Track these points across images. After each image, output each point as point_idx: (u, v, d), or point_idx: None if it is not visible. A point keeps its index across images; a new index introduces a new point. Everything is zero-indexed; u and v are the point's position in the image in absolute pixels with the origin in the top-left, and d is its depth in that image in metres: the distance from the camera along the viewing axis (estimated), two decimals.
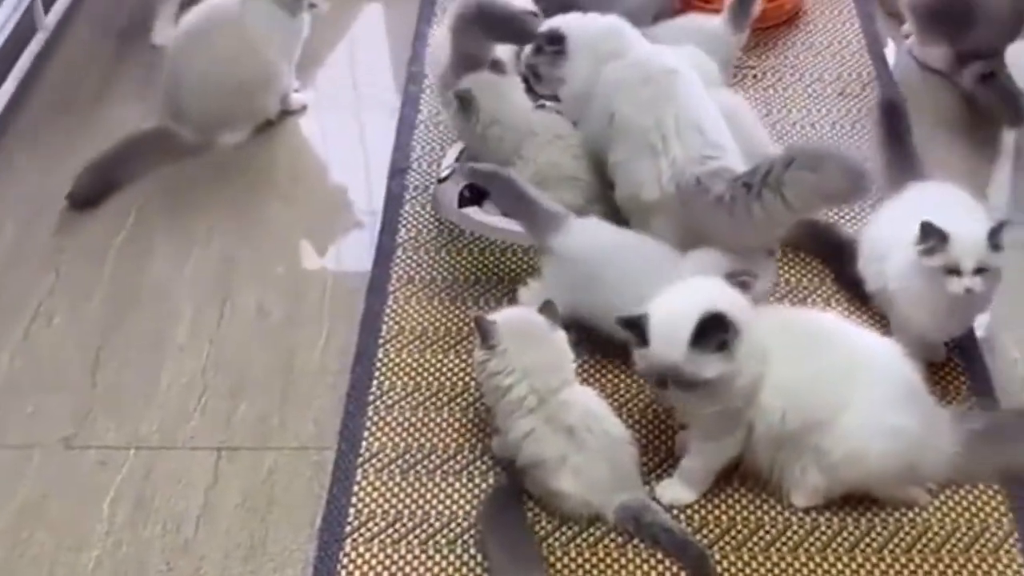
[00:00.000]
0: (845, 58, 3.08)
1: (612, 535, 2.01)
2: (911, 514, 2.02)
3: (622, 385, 2.26)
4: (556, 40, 2.48)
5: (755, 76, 3.00)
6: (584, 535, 2.01)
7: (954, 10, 2.89)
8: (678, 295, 1.96)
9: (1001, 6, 2.88)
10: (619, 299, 2.08)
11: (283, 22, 2.82)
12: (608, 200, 2.48)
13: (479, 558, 1.99)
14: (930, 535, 1.99)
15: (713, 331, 1.88)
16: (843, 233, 2.48)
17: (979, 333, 2.34)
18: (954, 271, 2.05)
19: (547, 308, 2.12)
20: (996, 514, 2.02)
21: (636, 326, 1.94)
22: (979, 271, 2.05)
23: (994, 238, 2.05)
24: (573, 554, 1.99)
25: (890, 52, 3.13)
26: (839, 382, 1.98)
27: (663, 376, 1.93)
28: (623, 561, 1.97)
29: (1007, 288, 2.35)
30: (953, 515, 2.02)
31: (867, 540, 1.99)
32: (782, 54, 3.09)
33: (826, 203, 2.30)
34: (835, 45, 3.12)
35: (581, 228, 2.29)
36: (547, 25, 2.53)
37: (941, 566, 1.95)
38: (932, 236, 2.06)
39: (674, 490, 2.06)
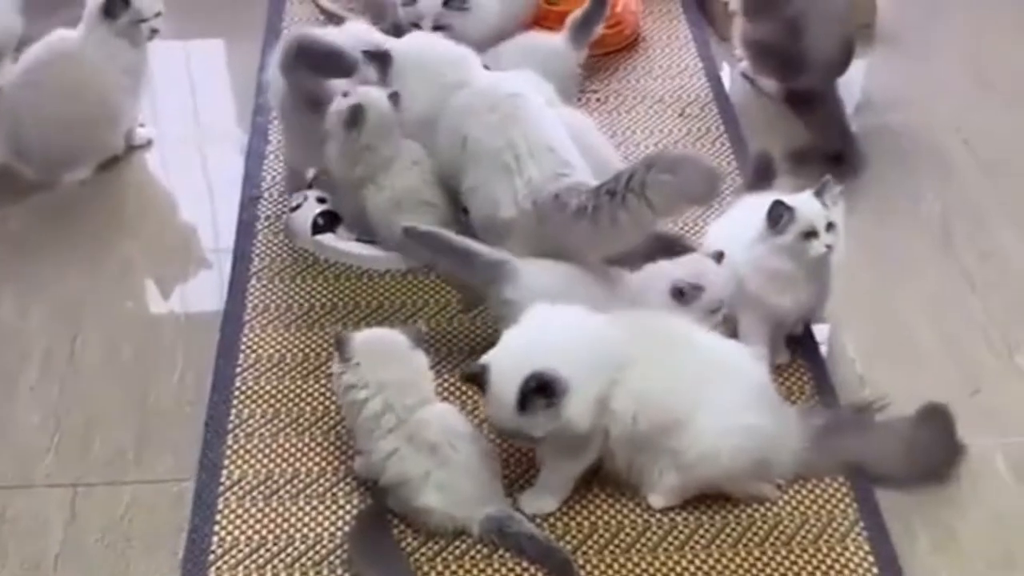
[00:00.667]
0: (684, 80, 3.19)
1: (478, 547, 2.04)
2: (763, 509, 2.10)
3: (482, 402, 2.29)
4: (380, 58, 2.55)
5: (599, 99, 3.09)
6: (450, 549, 2.04)
7: (785, 53, 3.03)
8: (511, 348, 2.01)
9: (830, 50, 3.03)
10: None
11: (125, 54, 2.78)
12: (460, 224, 2.52)
13: None
14: (781, 528, 2.07)
15: (537, 395, 1.94)
16: (690, 242, 2.58)
17: (819, 336, 2.46)
18: (811, 234, 2.19)
19: (410, 330, 2.14)
20: (842, 505, 2.11)
21: (477, 382, 2.00)
22: (828, 227, 2.22)
23: (821, 195, 2.24)
24: (440, 567, 2.01)
25: (725, 74, 3.25)
26: (691, 385, 2.06)
27: (502, 433, 2.03)
28: (490, 572, 2.00)
29: (842, 295, 2.50)
30: (802, 508, 2.11)
31: (723, 536, 2.06)
32: (624, 78, 3.19)
33: (686, 204, 2.38)
34: (673, 68, 3.23)
35: (531, 272, 2.26)
36: (384, 45, 2.59)
37: (793, 556, 2.03)
38: (782, 211, 2.21)
39: (536, 500, 2.10)
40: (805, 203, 2.23)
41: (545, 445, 2.06)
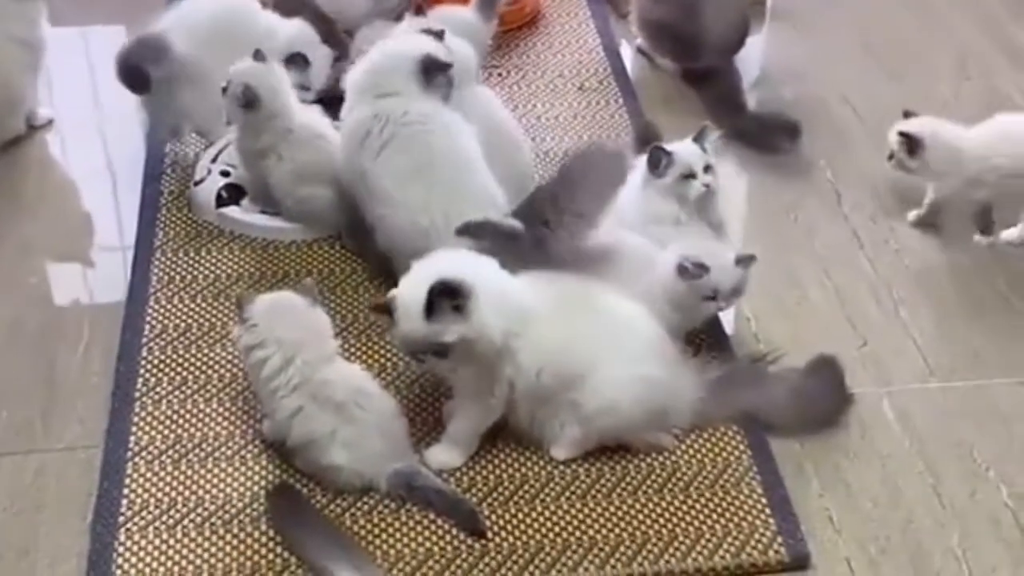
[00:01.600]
0: (583, 56, 3.26)
1: (386, 502, 2.08)
2: (661, 458, 2.18)
3: (389, 363, 2.34)
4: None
5: (500, 74, 3.15)
6: (359, 504, 2.08)
7: (681, 34, 3.12)
8: (416, 272, 2.06)
9: (725, 30, 3.13)
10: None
11: (23, 35, 2.77)
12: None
13: (256, 535, 2.02)
14: (679, 475, 2.15)
15: (444, 298, 1.99)
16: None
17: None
18: (689, 176, 2.34)
19: (305, 288, 2.18)
20: (736, 452, 2.19)
21: (386, 310, 2.04)
22: (706, 169, 2.37)
23: (700, 140, 2.40)
24: (349, 522, 2.05)
25: (624, 51, 3.33)
26: (591, 340, 2.12)
27: (414, 349, 2.03)
28: (397, 525, 2.05)
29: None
30: (699, 456, 2.19)
31: (623, 484, 2.13)
32: (524, 54, 3.25)
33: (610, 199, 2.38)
34: (573, 44, 3.30)
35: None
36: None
37: (690, 501, 2.11)
38: (661, 155, 2.36)
39: (443, 454, 2.15)
40: (683, 147, 2.37)
41: (458, 381, 2.11)
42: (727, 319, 2.48)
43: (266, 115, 2.52)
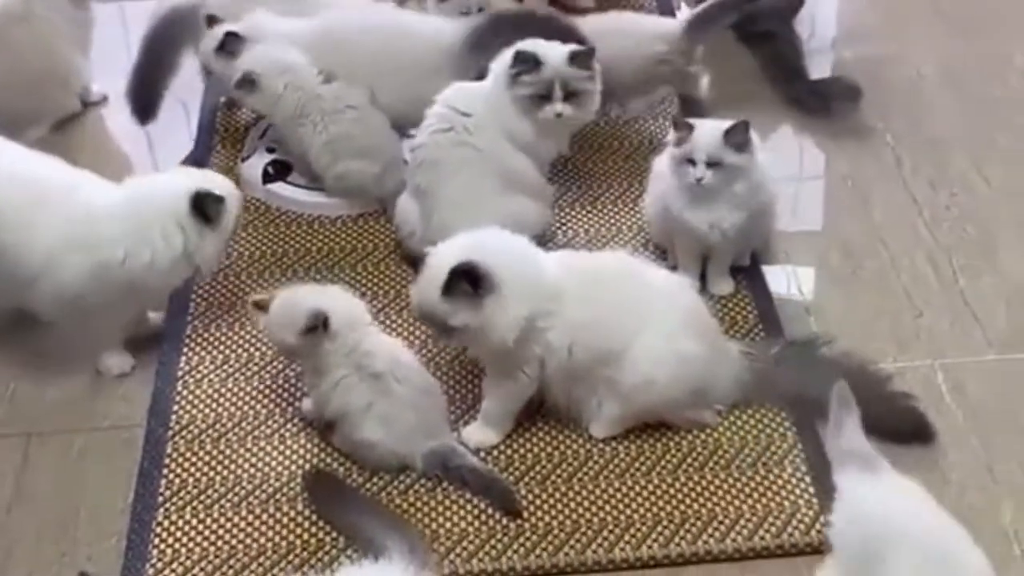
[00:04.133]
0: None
1: (422, 481, 2.07)
2: (703, 435, 2.13)
3: (429, 340, 2.32)
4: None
5: None
6: (395, 484, 2.07)
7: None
8: (453, 244, 2.04)
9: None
10: None
11: (71, 13, 2.80)
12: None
13: (292, 514, 2.03)
14: (721, 453, 2.10)
15: (462, 282, 1.96)
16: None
17: (764, 262, 2.48)
18: (690, 160, 2.24)
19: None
20: (781, 429, 2.14)
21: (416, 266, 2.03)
22: (714, 164, 2.23)
23: (730, 136, 2.23)
24: (385, 502, 2.04)
25: (681, 11, 3.24)
26: (626, 316, 2.08)
27: (422, 318, 2.03)
28: (433, 504, 2.04)
29: (792, 224, 2.52)
30: (742, 433, 2.13)
31: (663, 462, 2.09)
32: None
33: None
34: (629, 8, 3.22)
35: None
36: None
37: (731, 480, 2.06)
38: (681, 127, 2.27)
39: (479, 433, 2.13)
40: (703, 131, 2.26)
41: (483, 360, 2.09)
42: (776, 287, 2.41)
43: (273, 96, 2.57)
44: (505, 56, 2.37)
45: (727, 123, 2.26)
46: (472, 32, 2.62)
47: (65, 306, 2.20)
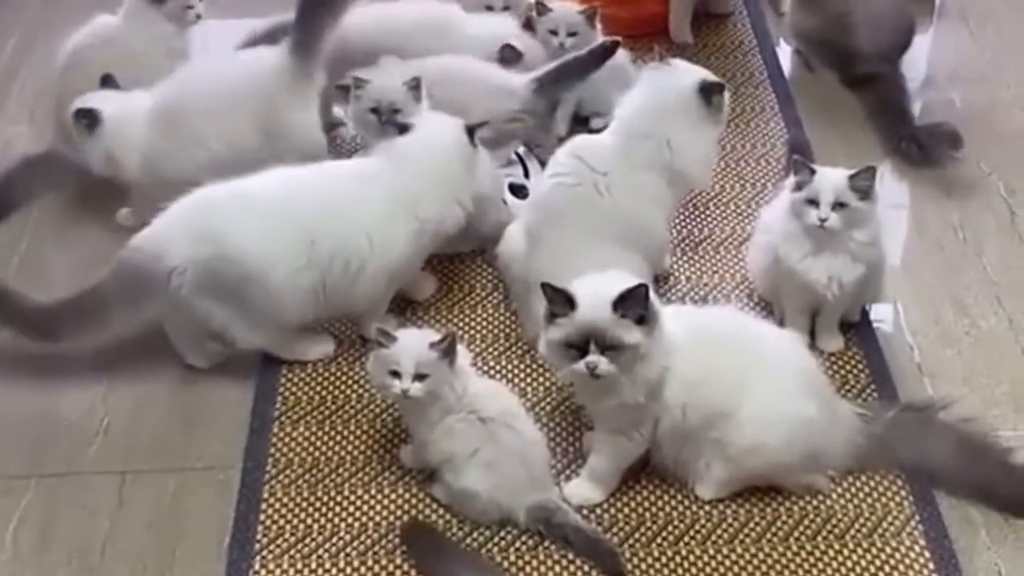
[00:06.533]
0: (738, 58, 3.12)
1: (523, 537, 2.01)
2: (815, 502, 2.05)
3: (529, 388, 2.26)
4: None
5: None
6: (496, 539, 2.01)
7: (837, 45, 2.95)
8: (591, 279, 1.98)
9: (883, 38, 2.94)
10: None
11: (170, 38, 2.77)
12: None
13: (390, 568, 1.98)
14: (834, 522, 2.02)
15: (635, 302, 1.90)
16: None
17: (875, 318, 2.40)
18: (812, 202, 2.17)
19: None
20: (897, 498, 2.06)
21: (561, 293, 1.94)
22: (839, 207, 2.16)
23: (855, 180, 2.18)
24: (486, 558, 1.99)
25: (782, 52, 3.17)
26: (738, 375, 2.01)
27: (585, 338, 1.92)
28: (535, 564, 1.98)
29: (902, 277, 2.44)
30: (856, 501, 2.06)
31: (774, 529, 2.02)
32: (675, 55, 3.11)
33: None
34: (728, 45, 3.16)
35: None
36: None
37: (846, 551, 1.98)
38: (802, 170, 2.20)
39: (583, 489, 2.07)
40: (827, 174, 2.20)
41: (601, 413, 2.02)
42: (888, 347, 2.33)
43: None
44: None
45: (848, 170, 2.19)
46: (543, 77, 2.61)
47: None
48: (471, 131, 2.33)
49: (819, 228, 2.18)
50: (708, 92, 2.29)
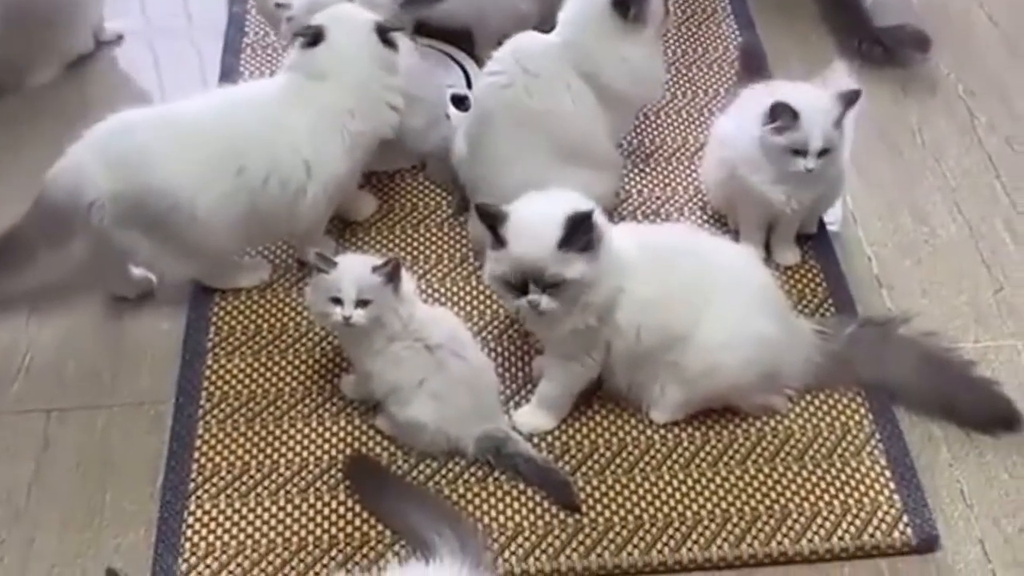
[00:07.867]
0: None
1: (472, 469, 1.93)
2: (772, 422, 1.99)
3: (476, 312, 2.17)
4: None
5: None
6: (443, 471, 1.93)
7: None
8: (541, 199, 1.87)
9: None
10: None
11: None
12: None
13: (333, 504, 1.89)
14: (792, 442, 1.96)
15: (579, 232, 1.80)
16: None
17: (832, 228, 2.31)
18: (799, 152, 2.05)
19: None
20: (857, 416, 1.99)
21: (494, 219, 1.82)
22: (821, 153, 2.06)
23: (843, 100, 2.07)
24: (433, 491, 1.90)
25: None
26: (693, 294, 1.92)
27: (524, 277, 1.82)
28: (484, 495, 1.90)
29: (858, 185, 2.35)
30: (815, 420, 1.99)
31: (731, 452, 1.95)
32: None
33: None
34: None
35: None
36: None
37: (805, 472, 1.92)
38: (784, 113, 2.05)
39: (533, 417, 1.99)
40: (816, 117, 2.05)
41: (552, 339, 1.92)
42: (845, 258, 2.25)
43: None
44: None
45: (826, 98, 2.08)
46: None
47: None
48: (384, 32, 2.17)
49: (804, 173, 2.07)
50: (624, 5, 2.15)
